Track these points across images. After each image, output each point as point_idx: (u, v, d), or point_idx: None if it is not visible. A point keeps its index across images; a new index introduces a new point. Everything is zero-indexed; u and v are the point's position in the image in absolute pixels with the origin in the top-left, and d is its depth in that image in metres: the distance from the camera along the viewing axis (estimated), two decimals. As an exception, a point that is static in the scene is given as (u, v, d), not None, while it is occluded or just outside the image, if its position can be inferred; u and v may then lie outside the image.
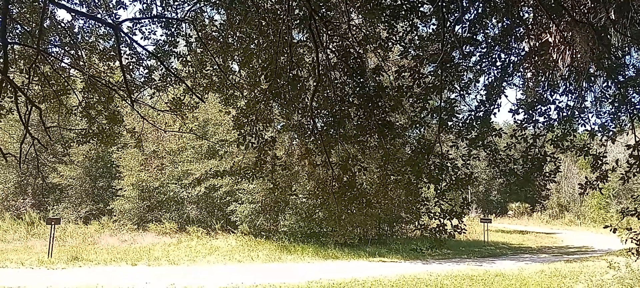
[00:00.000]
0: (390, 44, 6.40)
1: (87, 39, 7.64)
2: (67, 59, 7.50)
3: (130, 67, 7.40)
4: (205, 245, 22.34)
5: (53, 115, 8.23)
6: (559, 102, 6.00)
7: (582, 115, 5.98)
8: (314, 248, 21.18)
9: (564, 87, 5.87)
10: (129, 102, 6.72)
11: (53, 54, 7.55)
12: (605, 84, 5.79)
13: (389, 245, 23.50)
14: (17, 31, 7.04)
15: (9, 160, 7.56)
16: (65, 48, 7.33)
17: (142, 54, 7.36)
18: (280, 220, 23.72)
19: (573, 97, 5.96)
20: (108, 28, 7.16)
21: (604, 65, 5.06)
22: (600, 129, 5.57)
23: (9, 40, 6.98)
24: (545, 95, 5.98)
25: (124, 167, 27.30)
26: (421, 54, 5.92)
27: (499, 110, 6.01)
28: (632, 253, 5.93)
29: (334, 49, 6.27)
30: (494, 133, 5.93)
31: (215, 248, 21.48)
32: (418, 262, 19.79)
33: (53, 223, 17.83)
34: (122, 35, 6.83)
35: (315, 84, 5.81)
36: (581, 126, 6.05)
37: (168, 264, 16.63)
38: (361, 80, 6.26)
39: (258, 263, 17.55)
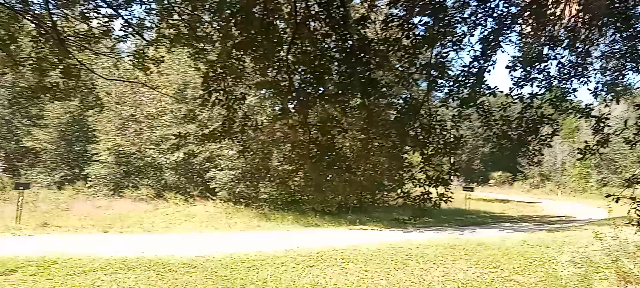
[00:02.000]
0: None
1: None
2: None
3: (87, 15, 6.65)
4: (182, 212, 21.76)
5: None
6: (561, 57, 5.48)
7: (585, 72, 5.46)
8: (294, 215, 20.77)
9: (568, 40, 5.33)
10: (57, 47, 5.97)
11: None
12: (613, 37, 5.28)
13: (371, 213, 23.17)
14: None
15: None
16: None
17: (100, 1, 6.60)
18: (261, 187, 23.18)
19: (576, 51, 5.42)
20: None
21: (615, 13, 4.53)
22: (605, 88, 5.07)
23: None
24: (545, 50, 5.45)
25: (100, 131, 26.39)
26: (412, 3, 5.29)
27: (493, 68, 5.45)
28: (633, 224, 5.52)
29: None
30: (488, 92, 5.39)
31: (192, 215, 20.92)
32: (399, 230, 19.54)
33: (21, 188, 17.06)
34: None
35: (292, 34, 5.19)
36: (584, 85, 5.55)
37: (141, 232, 16.06)
38: (344, 32, 5.62)
39: (235, 232, 17.09)
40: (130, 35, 6.80)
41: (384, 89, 5.95)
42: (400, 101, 5.80)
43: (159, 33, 6.78)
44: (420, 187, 5.36)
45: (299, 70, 5.72)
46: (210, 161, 24.37)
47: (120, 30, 6.84)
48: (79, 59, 6.85)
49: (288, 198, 22.37)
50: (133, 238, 14.68)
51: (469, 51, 5.57)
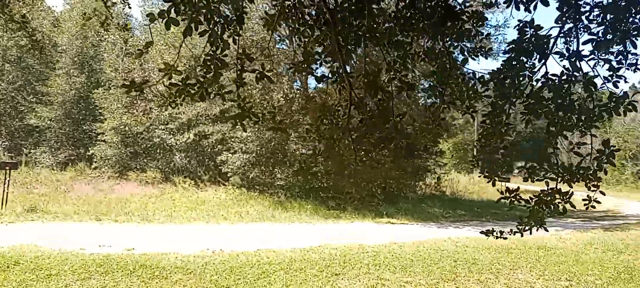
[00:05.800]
0: None
1: None
2: None
3: None
4: (190, 198, 19.82)
5: None
6: None
7: None
8: (313, 205, 18.61)
9: None
10: None
11: None
12: None
13: (397, 204, 20.87)
14: None
15: None
16: None
17: None
18: (277, 173, 20.99)
19: None
20: None
21: None
22: None
23: None
24: None
25: (106, 109, 24.45)
26: None
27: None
28: None
29: None
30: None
31: (201, 201, 18.96)
32: (432, 224, 17.32)
33: (8, 168, 15.09)
34: None
35: None
36: None
37: (139, 221, 13.99)
38: None
39: (246, 223, 14.96)
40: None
41: (468, 25, 3.70)
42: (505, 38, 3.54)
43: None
44: (563, 181, 3.16)
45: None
46: (223, 143, 22.34)
47: None
48: None
49: (306, 186, 20.14)
50: (128, 229, 12.68)
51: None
